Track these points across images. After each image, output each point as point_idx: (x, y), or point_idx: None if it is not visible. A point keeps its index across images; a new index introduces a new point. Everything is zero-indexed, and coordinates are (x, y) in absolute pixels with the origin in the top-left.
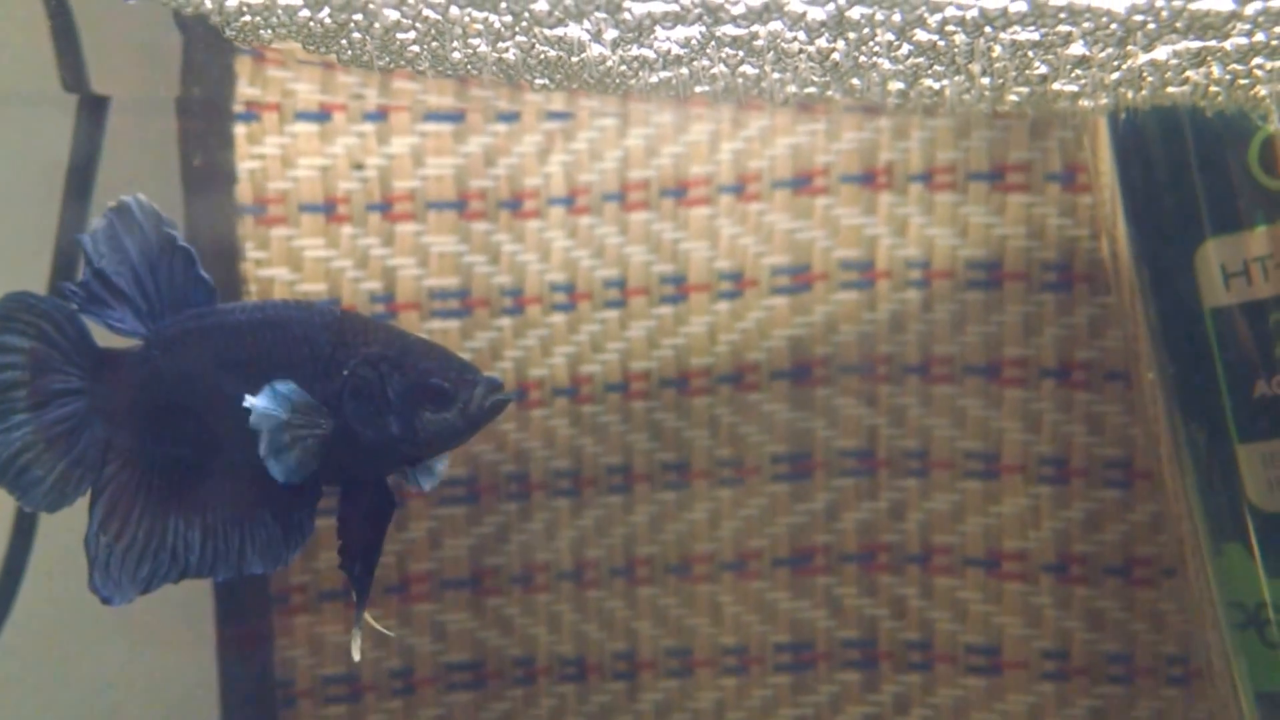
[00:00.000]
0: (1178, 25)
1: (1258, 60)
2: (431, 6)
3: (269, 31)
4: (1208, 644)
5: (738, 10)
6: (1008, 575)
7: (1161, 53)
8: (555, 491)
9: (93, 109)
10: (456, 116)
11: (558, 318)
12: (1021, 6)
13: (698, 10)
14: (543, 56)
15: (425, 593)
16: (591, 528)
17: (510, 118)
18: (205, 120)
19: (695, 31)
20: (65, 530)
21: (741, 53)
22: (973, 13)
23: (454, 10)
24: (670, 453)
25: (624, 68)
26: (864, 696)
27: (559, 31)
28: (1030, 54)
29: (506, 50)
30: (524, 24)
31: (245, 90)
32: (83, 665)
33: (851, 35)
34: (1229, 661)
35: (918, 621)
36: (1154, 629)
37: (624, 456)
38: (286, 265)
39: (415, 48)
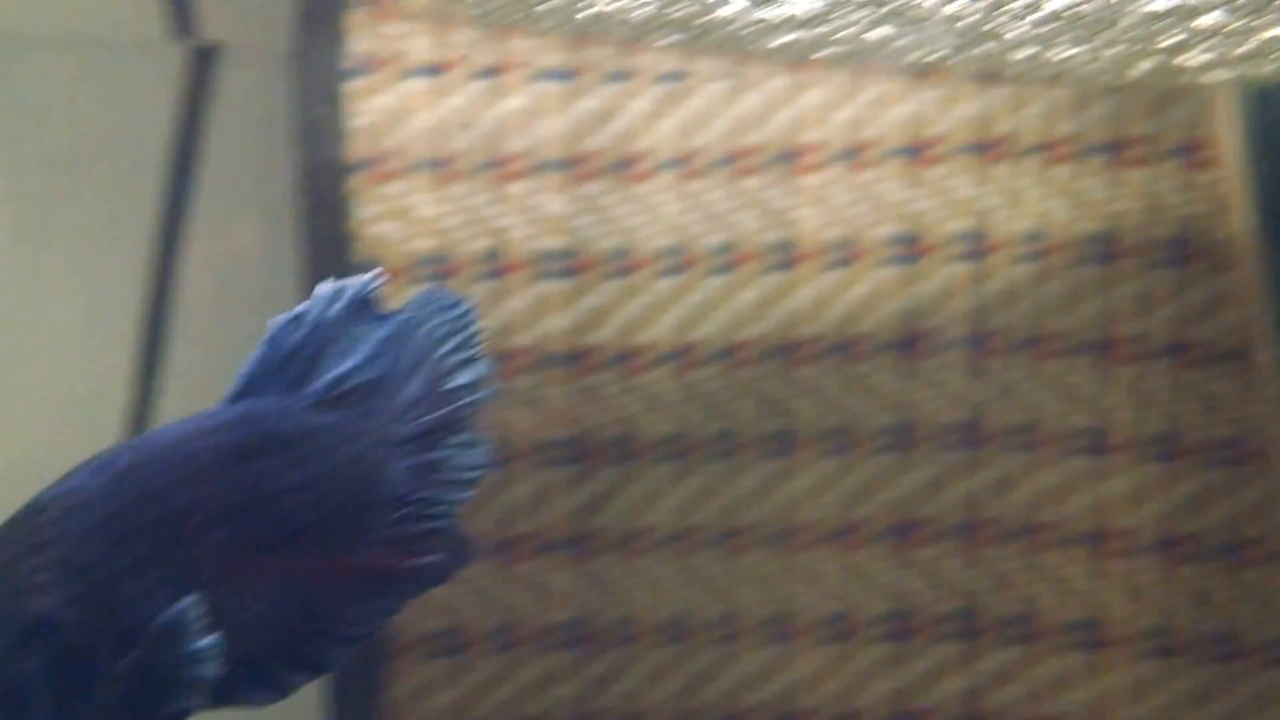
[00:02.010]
0: None
1: None
2: None
3: None
4: None
5: None
6: (1112, 552)
7: None
8: (659, 457)
9: (202, 59)
10: (568, 76)
11: (665, 283)
12: None
13: None
14: (671, 17)
15: (528, 552)
16: (694, 493)
17: (622, 78)
18: (317, 74)
19: None
20: None
21: (872, 15)
22: None
23: None
24: (775, 421)
25: (751, 29)
26: (963, 669)
27: None
28: (1159, 24)
29: (635, 9)
30: None
31: (358, 44)
32: None
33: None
34: None
35: (1020, 596)
36: (1260, 610)
37: (729, 424)
38: (396, 222)
39: (542, 6)
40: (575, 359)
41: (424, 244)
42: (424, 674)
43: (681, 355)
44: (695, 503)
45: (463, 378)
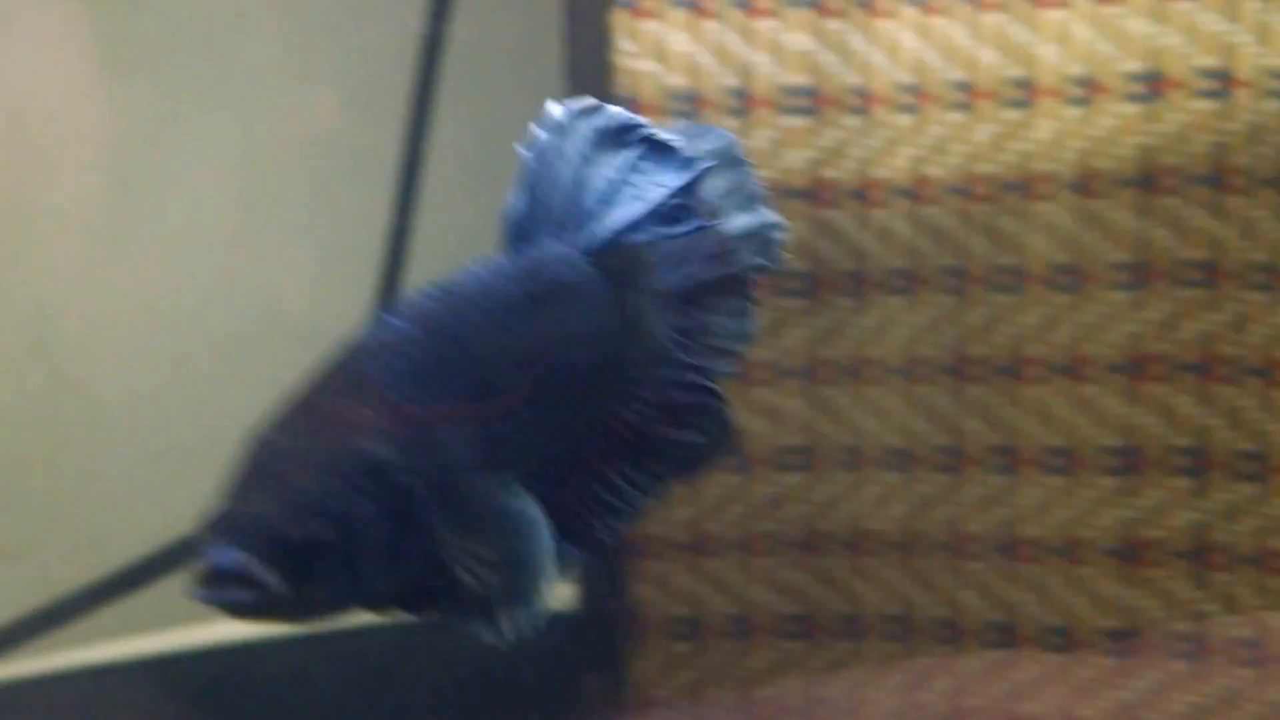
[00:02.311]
0: None
1: None
2: None
3: None
4: None
5: None
6: None
7: None
8: (890, 289)
9: None
10: None
11: (904, 118)
12: None
13: None
14: None
15: (760, 380)
16: (924, 327)
17: None
18: None
19: None
20: None
21: None
22: None
23: None
24: (1007, 257)
25: None
26: (1192, 504)
27: None
28: None
29: None
30: None
31: None
32: None
33: None
34: None
35: (1254, 433)
36: None
37: (960, 259)
38: (652, 59)
39: None
40: (813, 193)
41: (677, 80)
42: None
43: (916, 190)
44: (924, 335)
45: (738, 223)
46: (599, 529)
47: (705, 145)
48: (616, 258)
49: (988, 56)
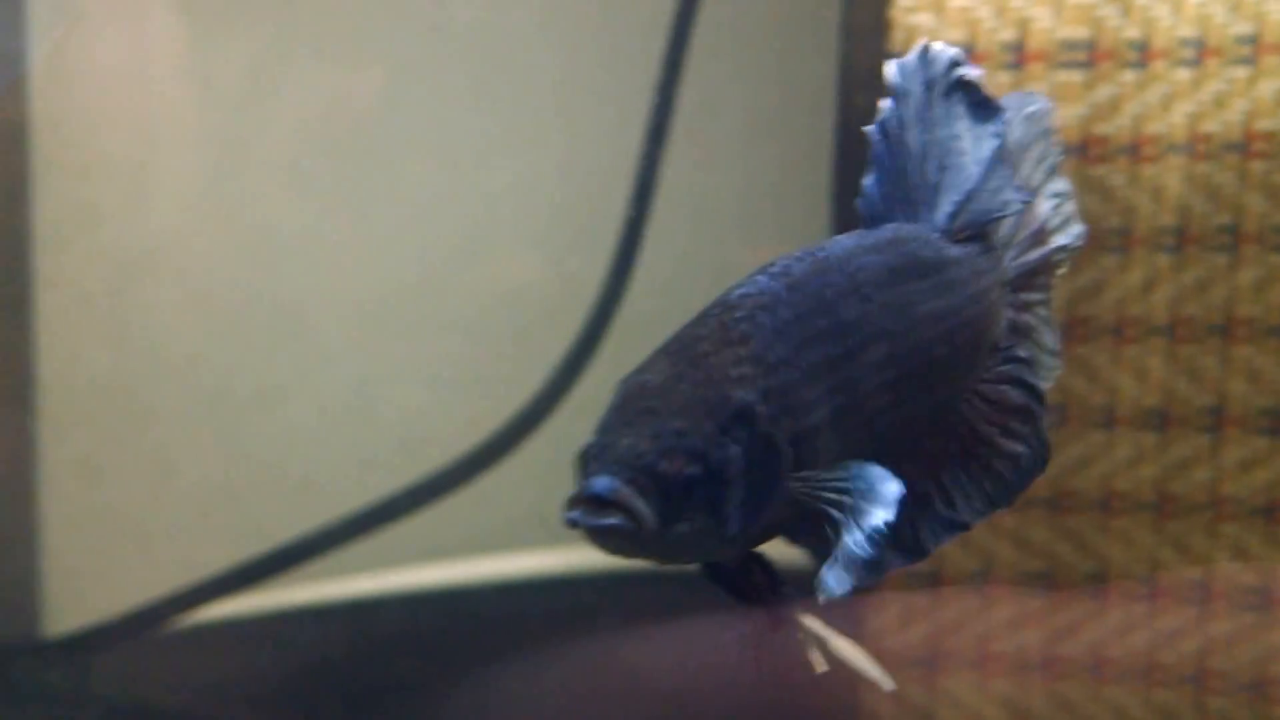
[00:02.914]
0: None
1: None
2: None
3: None
4: None
5: None
6: None
7: None
8: (1157, 246)
9: None
10: None
11: (1182, 73)
12: None
13: None
14: None
15: None
16: (1191, 285)
17: None
18: None
19: None
20: None
21: None
22: None
23: None
24: None
25: None
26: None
27: None
28: None
29: None
30: None
31: None
32: None
33: None
34: None
35: None
36: None
37: (1234, 217)
38: (929, 12)
39: None
40: (1086, 147)
41: (953, 34)
42: None
43: (1192, 146)
44: (1190, 295)
45: (1045, 205)
46: (925, 536)
47: (1024, 110)
48: (969, 236)
49: (1274, 9)
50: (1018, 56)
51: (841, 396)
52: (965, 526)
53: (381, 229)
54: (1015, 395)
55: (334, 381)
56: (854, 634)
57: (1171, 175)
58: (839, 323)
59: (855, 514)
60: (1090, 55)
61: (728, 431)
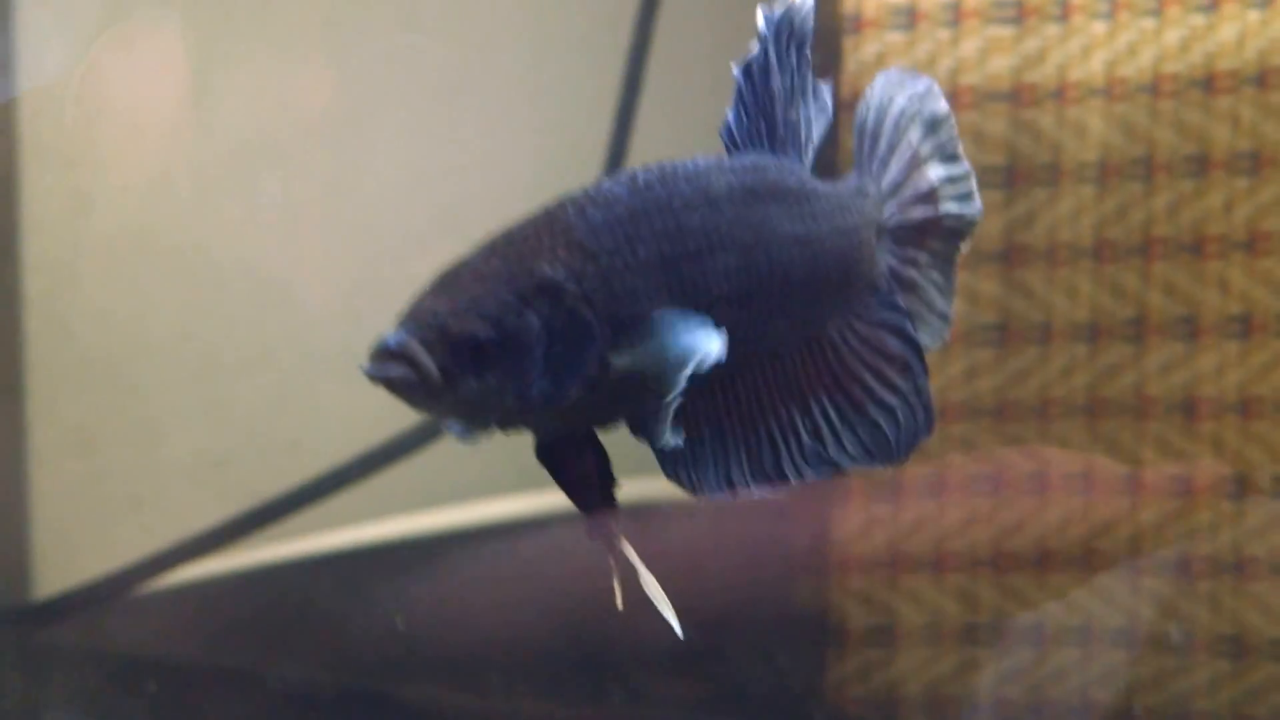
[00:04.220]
0: None
1: None
2: None
3: None
4: None
5: None
6: None
7: None
8: (1082, 179)
9: None
10: None
11: (1099, 26)
12: None
13: None
14: None
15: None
16: (1113, 212)
17: None
18: None
19: None
20: None
21: None
22: None
23: None
24: (1192, 145)
25: None
26: None
27: None
28: None
29: None
30: None
31: None
32: None
33: None
34: None
35: None
36: None
37: (1148, 149)
38: None
39: None
40: (1015, 95)
41: None
42: None
43: (1109, 90)
44: (1111, 220)
45: (936, 172)
46: (785, 462)
47: (908, 88)
48: (831, 180)
49: None
50: (954, 14)
51: (679, 294)
52: (835, 466)
53: (362, 203)
54: (893, 344)
55: (319, 347)
56: (820, 541)
57: (1093, 116)
58: (680, 226)
59: (664, 353)
60: (1018, 11)
61: (528, 302)
